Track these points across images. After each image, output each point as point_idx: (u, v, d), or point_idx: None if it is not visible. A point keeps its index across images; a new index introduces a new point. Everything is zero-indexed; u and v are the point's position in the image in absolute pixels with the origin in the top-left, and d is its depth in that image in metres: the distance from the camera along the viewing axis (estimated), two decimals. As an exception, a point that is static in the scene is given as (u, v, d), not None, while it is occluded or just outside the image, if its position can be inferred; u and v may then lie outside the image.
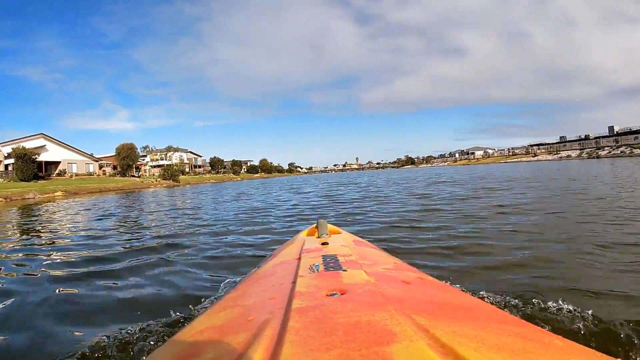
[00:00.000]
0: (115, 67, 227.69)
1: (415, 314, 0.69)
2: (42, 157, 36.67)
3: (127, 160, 42.58)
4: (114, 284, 2.73)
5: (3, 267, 3.53)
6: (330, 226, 1.84)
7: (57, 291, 2.60)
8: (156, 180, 39.36)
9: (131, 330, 1.65)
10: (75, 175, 37.44)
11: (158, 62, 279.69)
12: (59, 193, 24.28)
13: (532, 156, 73.01)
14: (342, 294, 0.83)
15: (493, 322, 0.73)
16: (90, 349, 1.53)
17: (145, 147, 51.91)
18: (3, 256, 4.17)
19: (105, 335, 1.63)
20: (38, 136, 37.81)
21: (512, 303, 1.73)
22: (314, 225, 1.80)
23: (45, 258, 3.87)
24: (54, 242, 4.99)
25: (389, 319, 0.65)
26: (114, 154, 44.50)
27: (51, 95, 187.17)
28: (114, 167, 44.72)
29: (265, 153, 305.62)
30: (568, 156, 61.18)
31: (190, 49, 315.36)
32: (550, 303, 1.67)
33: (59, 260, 3.68)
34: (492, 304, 1.36)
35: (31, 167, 30.64)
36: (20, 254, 4.26)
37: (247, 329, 0.74)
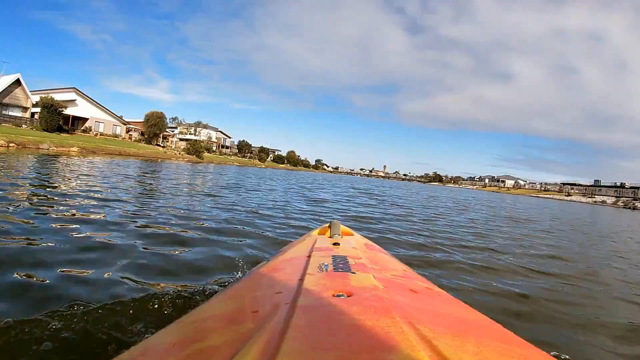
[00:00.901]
0: (163, 38, 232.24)
1: (420, 324, 0.68)
2: (71, 111, 35.65)
3: (154, 128, 41.05)
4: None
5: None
6: (343, 227, 1.80)
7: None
8: (179, 154, 37.79)
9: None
10: (100, 135, 36.20)
11: (205, 40, 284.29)
12: (74, 149, 22.69)
13: (566, 195, 71.53)
14: (348, 296, 0.81)
15: (497, 340, 0.72)
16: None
17: (174, 119, 49.73)
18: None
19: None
20: (70, 90, 36.64)
21: (518, 324, 1.88)
22: (327, 224, 1.81)
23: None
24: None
25: (392, 326, 0.64)
26: (143, 120, 43.24)
27: (96, 55, 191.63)
28: (142, 134, 43.44)
29: (295, 145, 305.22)
30: (603, 202, 59.40)
31: (239, 32, 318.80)
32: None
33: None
34: (497, 322, 1.14)
35: (56, 119, 29.45)
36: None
37: (250, 320, 0.75)
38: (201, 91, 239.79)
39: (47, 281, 2.03)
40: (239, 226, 4.35)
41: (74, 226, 3.34)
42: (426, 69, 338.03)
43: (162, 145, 43.90)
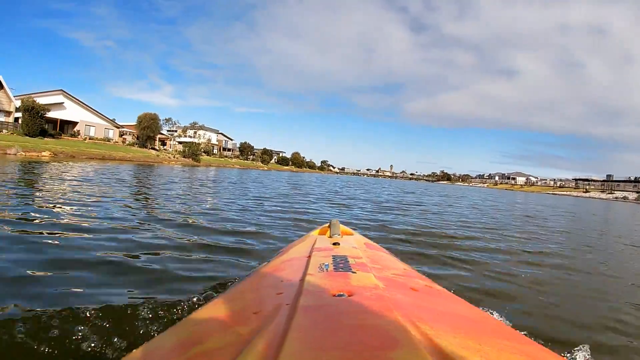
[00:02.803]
0: (166, 43, 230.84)
1: (421, 322, 0.68)
2: (59, 115, 33.76)
3: (147, 131, 38.68)
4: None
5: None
6: (342, 227, 1.79)
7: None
8: (174, 157, 35.56)
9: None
10: (90, 139, 34.09)
11: (208, 44, 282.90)
12: (45, 154, 20.41)
13: (584, 192, 68.43)
14: (349, 296, 0.81)
15: (498, 337, 0.72)
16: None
17: (168, 120, 46.16)
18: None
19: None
20: (57, 92, 34.52)
21: (519, 320, 1.77)
22: (327, 224, 1.79)
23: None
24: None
25: (393, 324, 0.64)
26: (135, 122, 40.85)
27: (100, 61, 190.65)
28: (139, 137, 41.21)
29: (300, 147, 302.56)
30: (625, 198, 56.80)
31: (242, 35, 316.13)
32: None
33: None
34: (498, 318, 1.19)
35: (38, 122, 27.37)
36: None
37: (252, 321, 0.74)
38: (205, 95, 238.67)
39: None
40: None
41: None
42: (430, 68, 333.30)
43: (159, 148, 41.51)
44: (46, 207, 4.40)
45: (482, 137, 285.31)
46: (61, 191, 6.07)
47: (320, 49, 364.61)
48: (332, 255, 1.19)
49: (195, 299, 1.80)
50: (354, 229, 1.96)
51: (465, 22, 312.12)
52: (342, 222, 1.84)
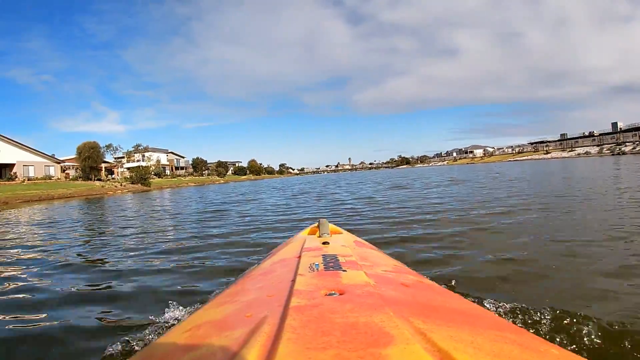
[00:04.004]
0: (105, 69, 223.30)
1: (413, 317, 0.69)
2: (-8, 159, 32.39)
3: (89, 161, 37.75)
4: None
5: None
6: (331, 226, 1.80)
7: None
8: (121, 185, 35.06)
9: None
10: (28, 180, 32.94)
11: (148, 63, 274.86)
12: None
13: (544, 154, 68.68)
14: (340, 294, 0.82)
15: (490, 328, 0.73)
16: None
17: (108, 146, 43.60)
18: None
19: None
20: (-14, 135, 33.22)
21: (510, 309, 1.69)
22: (316, 224, 1.78)
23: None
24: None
25: (386, 321, 0.65)
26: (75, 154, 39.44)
27: (40, 97, 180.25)
28: (83, 170, 39.84)
29: (256, 154, 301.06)
30: (587, 153, 57.55)
31: (182, 49, 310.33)
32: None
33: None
34: (490, 309, 1.24)
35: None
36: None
37: (244, 325, 0.73)
38: (152, 117, 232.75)
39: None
40: None
41: None
42: (373, 57, 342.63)
43: (103, 179, 40.51)
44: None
45: (434, 117, 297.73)
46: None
47: (263, 53, 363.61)
48: (322, 255, 1.20)
49: (186, 307, 1.86)
50: (343, 228, 1.98)
51: (401, 8, 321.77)
52: (331, 221, 1.86)
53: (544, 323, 1.56)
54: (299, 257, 1.23)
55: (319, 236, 1.64)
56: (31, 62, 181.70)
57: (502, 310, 1.69)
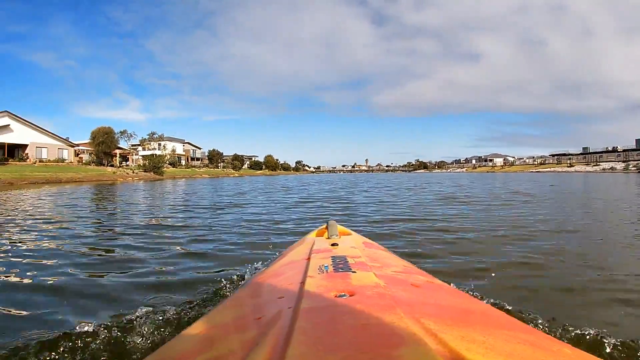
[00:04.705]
0: (128, 57, 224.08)
1: (424, 317, 0.68)
2: (6, 139, 31.69)
3: (103, 146, 36.81)
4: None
5: None
6: (340, 227, 1.79)
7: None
8: (133, 172, 33.95)
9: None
10: (40, 162, 32.10)
11: (171, 54, 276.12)
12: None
13: (568, 166, 66.72)
14: (350, 296, 0.81)
15: (502, 328, 0.72)
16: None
17: (123, 132, 42.67)
18: None
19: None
20: (1, 114, 32.48)
21: (522, 310, 1.68)
22: (324, 225, 1.78)
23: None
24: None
25: (397, 322, 0.64)
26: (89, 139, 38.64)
27: (63, 82, 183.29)
28: (97, 155, 38.99)
29: (273, 150, 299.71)
30: (612, 168, 55.17)
31: (204, 43, 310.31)
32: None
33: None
34: (501, 309, 1.16)
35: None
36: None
37: (255, 327, 0.74)
38: (173, 106, 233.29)
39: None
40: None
41: None
42: (395, 59, 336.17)
43: (116, 165, 39.53)
44: None
45: (453, 123, 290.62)
46: None
47: (284, 51, 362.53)
48: (332, 256, 1.19)
49: (198, 308, 1.80)
50: (352, 229, 1.94)
51: (426, 10, 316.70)
52: (340, 223, 1.83)
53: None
54: (308, 259, 1.22)
55: (328, 238, 1.62)
56: (56, 47, 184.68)
57: (514, 310, 1.66)
